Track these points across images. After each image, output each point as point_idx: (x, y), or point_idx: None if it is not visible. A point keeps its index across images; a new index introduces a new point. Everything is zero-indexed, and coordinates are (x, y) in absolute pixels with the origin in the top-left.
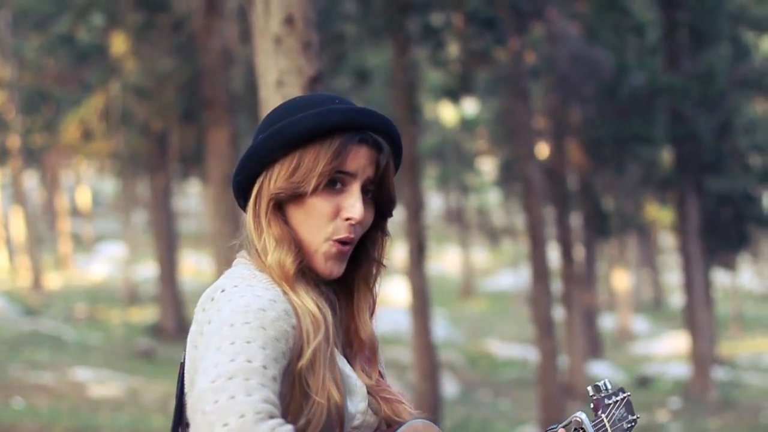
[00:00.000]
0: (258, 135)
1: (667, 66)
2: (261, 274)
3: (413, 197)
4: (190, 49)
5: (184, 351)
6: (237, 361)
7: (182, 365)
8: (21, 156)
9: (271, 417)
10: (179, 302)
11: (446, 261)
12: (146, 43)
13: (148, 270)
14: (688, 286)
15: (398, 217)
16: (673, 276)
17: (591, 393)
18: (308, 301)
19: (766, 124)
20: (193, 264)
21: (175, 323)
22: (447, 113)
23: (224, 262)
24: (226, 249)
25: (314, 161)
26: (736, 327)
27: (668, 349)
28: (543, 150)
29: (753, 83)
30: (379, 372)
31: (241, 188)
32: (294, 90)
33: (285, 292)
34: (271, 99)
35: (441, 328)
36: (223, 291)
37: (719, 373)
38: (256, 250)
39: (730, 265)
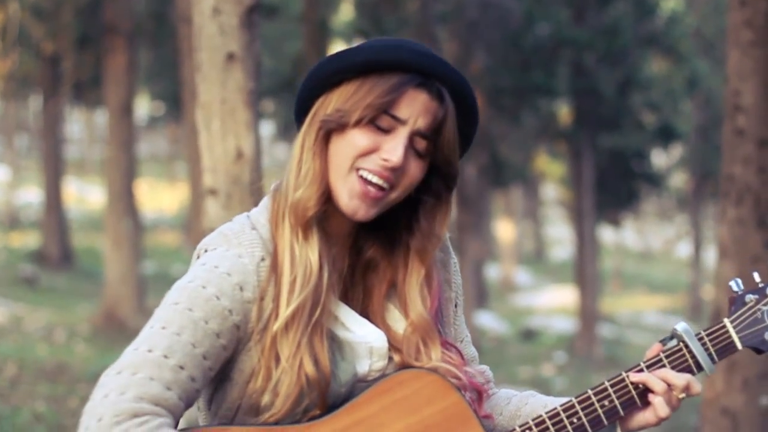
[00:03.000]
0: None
1: (573, 19)
2: (251, 233)
3: None
4: None
5: None
6: (139, 350)
7: None
8: None
9: (135, 416)
10: (64, 229)
11: None
12: None
13: (30, 195)
14: (579, 241)
15: None
16: (554, 229)
17: (735, 288)
18: (312, 251)
19: (662, 83)
20: (74, 191)
21: (59, 250)
22: None
23: (117, 192)
24: (121, 177)
25: (367, 93)
26: (617, 284)
27: (550, 303)
28: None
29: (654, 41)
30: (448, 343)
31: (300, 109)
32: (231, 18)
33: (277, 247)
34: (205, 27)
35: None
36: (206, 251)
37: (603, 330)
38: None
39: (616, 222)
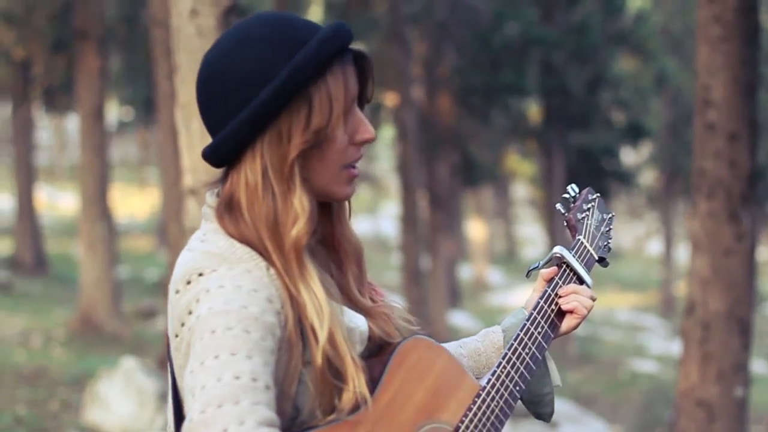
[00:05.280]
0: (230, 86)
1: (542, 18)
2: (241, 247)
3: None
4: None
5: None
6: (224, 380)
7: (168, 348)
8: None
9: None
10: (37, 236)
11: None
12: None
13: (1, 202)
14: (552, 240)
15: None
16: (524, 228)
17: (562, 211)
18: (316, 287)
19: (630, 81)
20: (45, 198)
21: (32, 256)
22: None
23: (91, 197)
24: (94, 181)
25: (329, 100)
26: None
27: (522, 302)
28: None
29: (622, 39)
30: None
31: (229, 150)
32: (209, 20)
33: (278, 273)
34: (183, 29)
35: None
36: (200, 275)
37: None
38: (240, 212)
39: None
